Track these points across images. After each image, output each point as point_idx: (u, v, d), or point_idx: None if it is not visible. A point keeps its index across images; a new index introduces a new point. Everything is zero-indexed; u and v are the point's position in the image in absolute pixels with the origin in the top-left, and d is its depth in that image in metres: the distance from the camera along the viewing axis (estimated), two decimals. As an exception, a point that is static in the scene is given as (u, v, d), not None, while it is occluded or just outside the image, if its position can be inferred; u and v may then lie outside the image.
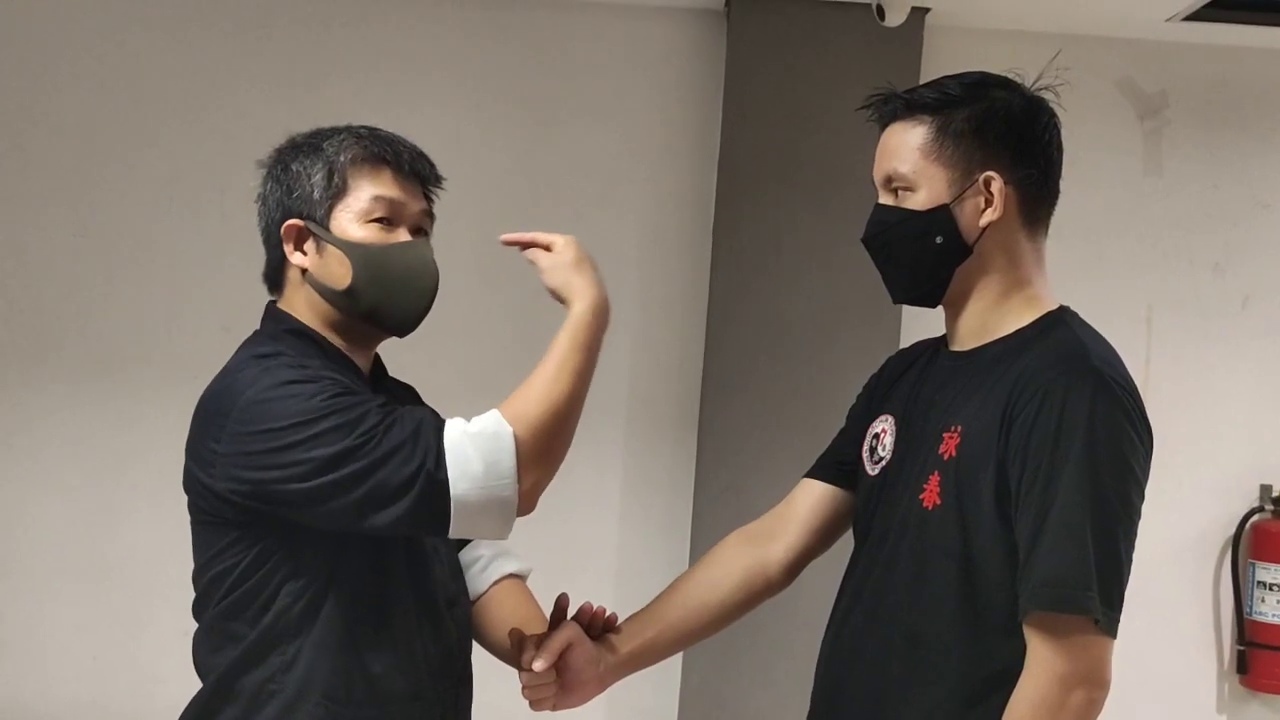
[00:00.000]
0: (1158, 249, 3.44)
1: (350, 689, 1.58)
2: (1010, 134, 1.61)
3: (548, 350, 1.60)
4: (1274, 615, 3.30)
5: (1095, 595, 1.45)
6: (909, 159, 1.62)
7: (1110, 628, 1.48)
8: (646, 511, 3.40)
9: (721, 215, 3.30)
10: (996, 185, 1.59)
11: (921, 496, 1.59)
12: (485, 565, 1.85)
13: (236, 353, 1.67)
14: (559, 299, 1.67)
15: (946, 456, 1.57)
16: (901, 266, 1.66)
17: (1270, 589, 3.31)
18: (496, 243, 3.54)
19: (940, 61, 3.26)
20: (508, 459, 1.50)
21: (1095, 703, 1.49)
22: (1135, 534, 1.52)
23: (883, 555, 1.64)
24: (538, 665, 1.67)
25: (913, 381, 1.72)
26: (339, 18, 3.34)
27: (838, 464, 1.82)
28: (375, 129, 1.71)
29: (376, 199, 1.65)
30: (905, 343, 3.26)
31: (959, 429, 1.57)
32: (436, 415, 1.54)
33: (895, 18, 3.17)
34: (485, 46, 3.37)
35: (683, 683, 3.26)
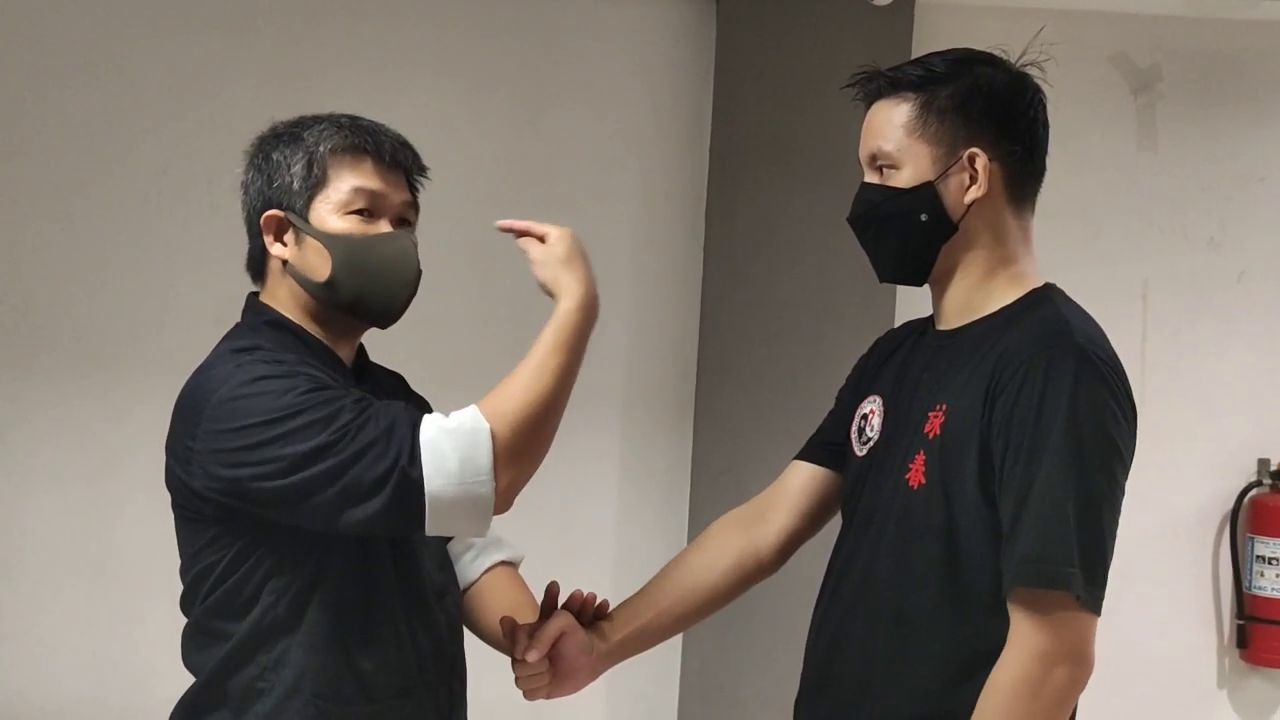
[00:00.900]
0: (1153, 225, 3.43)
1: (339, 686, 1.57)
2: (994, 110, 1.60)
3: (531, 347, 1.58)
4: (1273, 589, 3.30)
5: (1078, 572, 1.45)
6: (893, 137, 1.62)
7: (1093, 604, 1.48)
8: (644, 498, 3.39)
9: (714, 200, 3.29)
10: (981, 162, 1.59)
11: (907, 476, 1.59)
12: (477, 554, 1.85)
13: (216, 347, 1.66)
14: (547, 293, 1.65)
15: (931, 435, 1.57)
16: (887, 245, 1.66)
17: (1269, 563, 3.31)
18: (486, 232, 3.52)
19: (932, 41, 3.25)
20: (484, 455, 1.49)
21: (1077, 680, 1.48)
22: (1119, 510, 1.52)
23: (869, 535, 1.64)
24: (530, 656, 1.67)
25: (901, 362, 1.72)
26: (327, 8, 3.32)
27: (827, 445, 1.82)
28: (357, 118, 1.69)
29: (357, 190, 1.63)
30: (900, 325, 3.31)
31: (944, 408, 1.57)
32: (414, 410, 1.52)
33: (886, -3, 3.16)
34: (474, 34, 3.35)
35: (683, 669, 3.26)
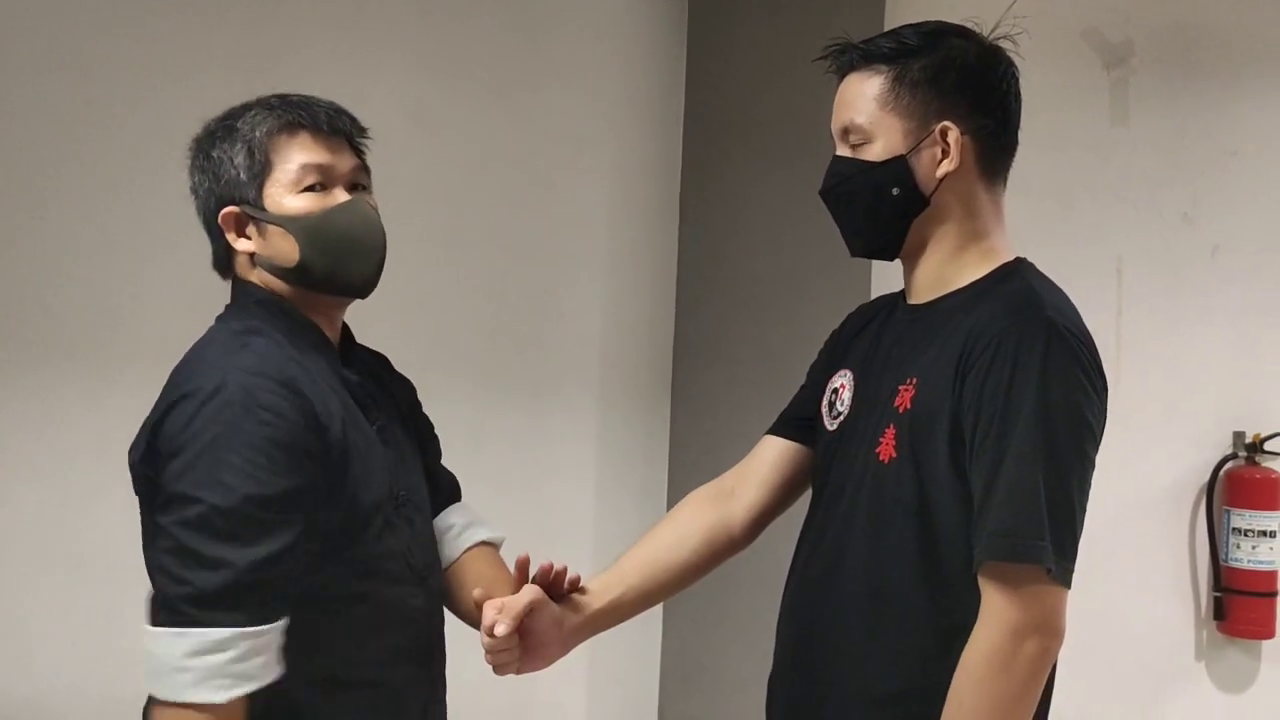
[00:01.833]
0: (1126, 201, 3.44)
1: (315, 675, 1.56)
2: (966, 83, 1.60)
3: None
4: (1250, 561, 3.32)
5: (1048, 545, 1.46)
6: (865, 110, 1.62)
7: (1063, 577, 1.48)
8: (622, 478, 3.39)
9: (689, 177, 3.28)
10: (953, 135, 1.59)
11: (877, 450, 1.59)
12: (458, 533, 1.85)
13: (212, 326, 1.65)
14: None
15: (902, 409, 1.58)
16: (858, 219, 1.66)
17: (1245, 535, 3.33)
18: (461, 212, 3.52)
19: (904, 16, 3.23)
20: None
21: (1049, 651, 1.49)
22: (1089, 484, 1.53)
23: (840, 509, 1.64)
24: (499, 630, 1.65)
25: (872, 336, 1.73)
26: (296, -11, 3.30)
27: (798, 420, 1.83)
28: (286, 96, 1.68)
29: (304, 166, 1.62)
30: (876, 302, 3.31)
31: (914, 381, 1.58)
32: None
33: (858, -28, 3.15)
34: (446, 14, 3.33)
35: (663, 648, 3.26)
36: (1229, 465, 3.39)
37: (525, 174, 3.33)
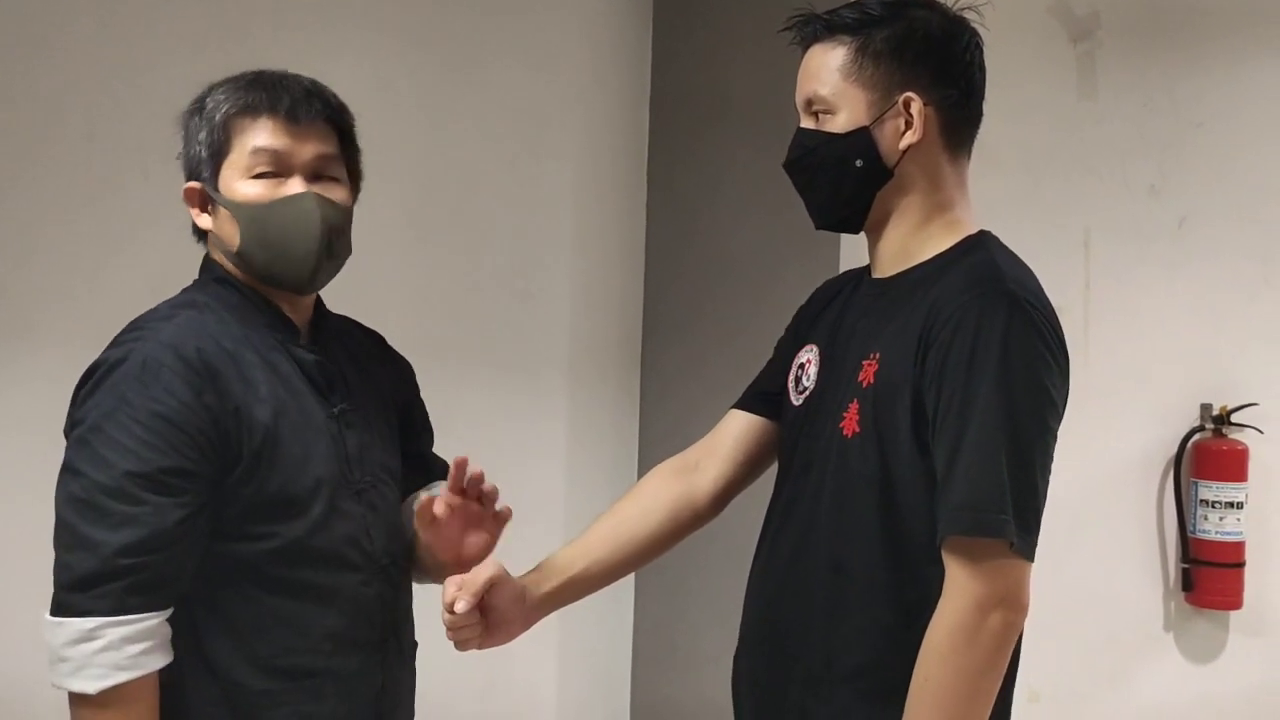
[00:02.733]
0: (1093, 174, 3.44)
1: (254, 661, 1.55)
2: (930, 54, 1.59)
3: None
4: (1217, 533, 3.34)
5: (1010, 519, 1.46)
6: (828, 81, 1.61)
7: (1026, 551, 1.48)
8: (592, 456, 3.38)
9: (656, 153, 3.27)
10: (916, 106, 1.58)
11: (841, 425, 1.59)
12: (414, 498, 1.82)
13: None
14: None
15: (865, 384, 1.57)
16: (822, 191, 1.65)
17: (1213, 507, 3.35)
18: (426, 192, 3.49)
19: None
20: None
21: (1013, 625, 1.49)
22: (1051, 457, 1.53)
23: (807, 485, 1.64)
24: (459, 606, 1.64)
25: (838, 310, 1.72)
26: (257, -34, 3.25)
27: (763, 395, 1.83)
28: (261, 73, 1.64)
29: (256, 151, 1.58)
30: (844, 279, 3.30)
31: (877, 356, 1.57)
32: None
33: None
34: (408, -9, 3.30)
35: (635, 625, 3.26)
36: (1196, 437, 3.41)
37: (490, 152, 3.30)
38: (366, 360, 1.78)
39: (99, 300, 3.20)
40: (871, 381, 1.57)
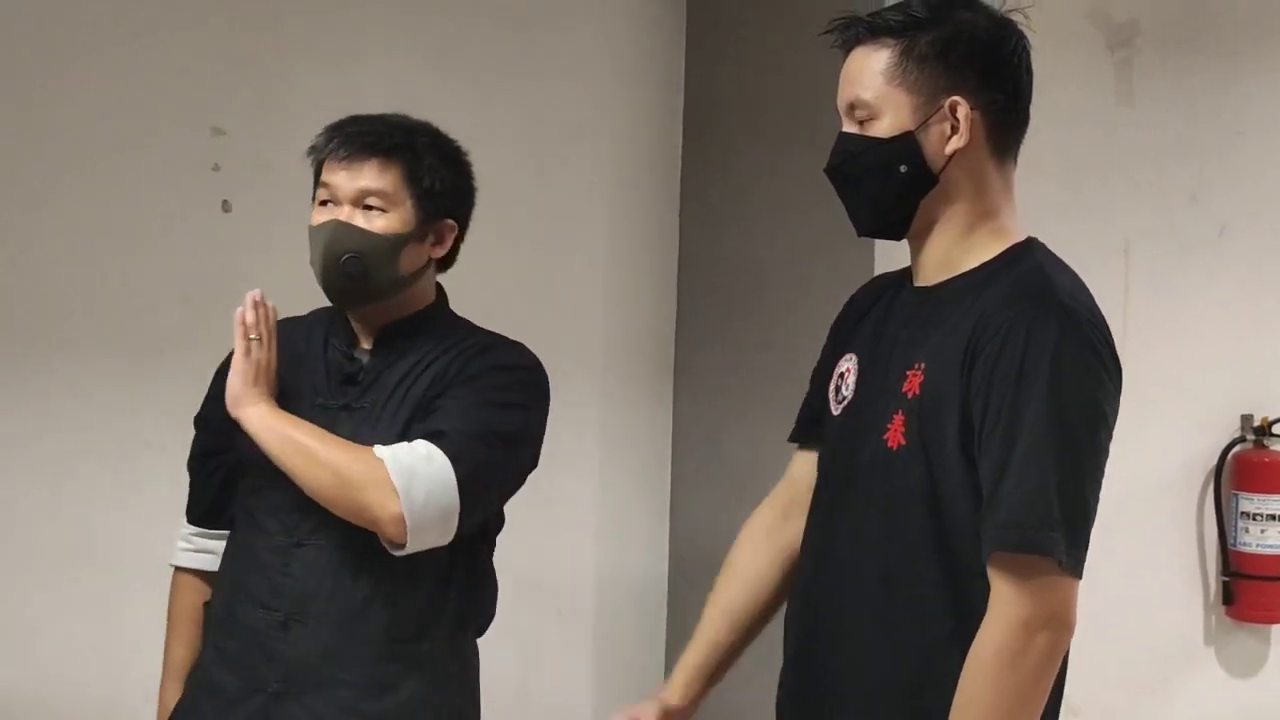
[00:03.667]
0: (1133, 182, 3.40)
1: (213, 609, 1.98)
2: (977, 57, 1.56)
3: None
4: (1258, 545, 3.30)
5: (1059, 536, 1.43)
6: (872, 85, 1.58)
7: (1075, 569, 1.45)
8: (624, 464, 3.37)
9: (689, 161, 3.25)
10: (963, 111, 1.55)
11: (885, 437, 1.56)
12: None
13: None
14: None
15: (910, 395, 1.54)
16: (865, 197, 1.62)
17: (1254, 519, 3.30)
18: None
19: (906, -3, 3.22)
20: None
21: (1060, 644, 1.46)
22: (1102, 473, 1.49)
23: (851, 498, 1.61)
24: None
25: (877, 318, 1.69)
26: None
27: (816, 424, 1.78)
28: (351, 118, 1.94)
29: (321, 185, 1.90)
30: (882, 286, 3.27)
31: (922, 366, 1.54)
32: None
33: (861, -49, 3.12)
34: (438, 2, 3.30)
35: (668, 638, 3.25)
36: (1237, 449, 3.36)
37: (523, 162, 3.30)
38: (426, 365, 1.92)
39: (133, 311, 3.21)
40: (917, 393, 1.54)
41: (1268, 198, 3.42)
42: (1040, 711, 1.49)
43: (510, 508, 3.37)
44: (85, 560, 3.21)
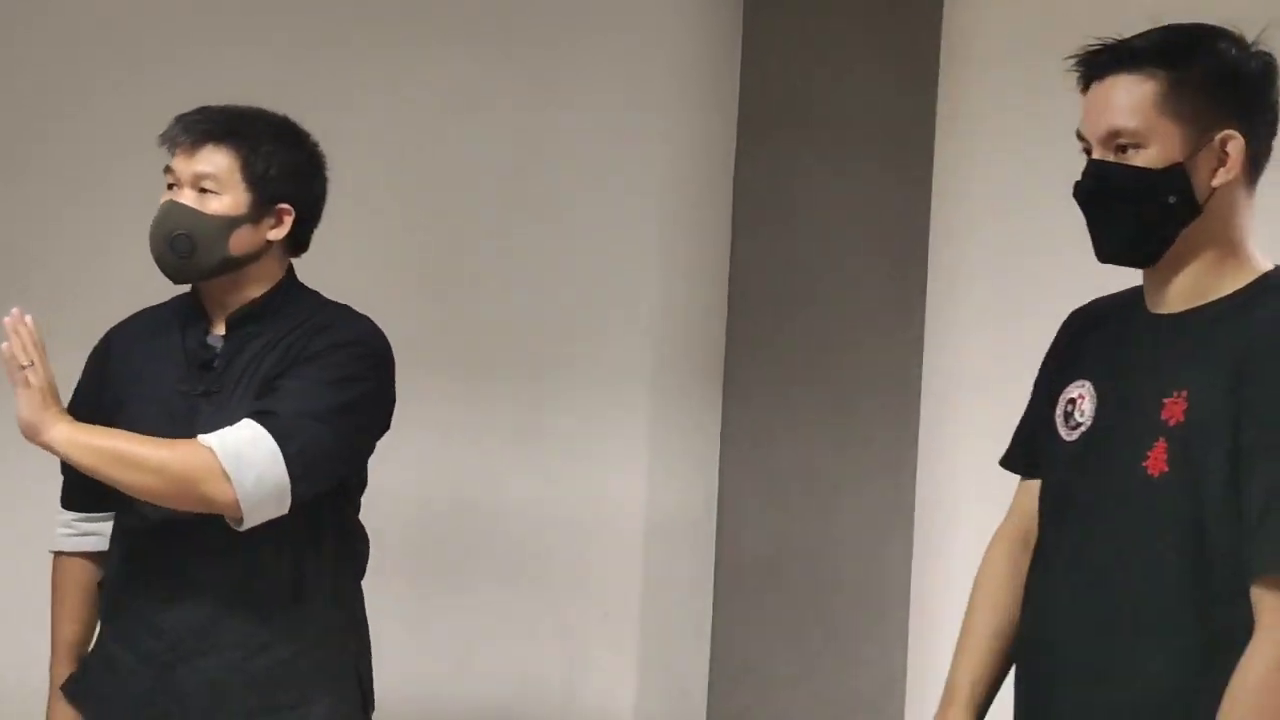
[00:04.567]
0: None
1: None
2: (1246, 90, 1.57)
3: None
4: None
5: None
6: (1139, 114, 1.57)
7: None
8: (673, 471, 3.36)
9: (741, 169, 3.25)
10: (1235, 144, 1.56)
11: (1145, 464, 1.55)
12: None
13: None
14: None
15: (1173, 422, 1.54)
16: (1124, 225, 1.60)
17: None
18: (510, 202, 3.50)
19: (964, 5, 3.21)
20: None
21: None
22: None
23: (1100, 526, 1.60)
24: None
25: (1109, 344, 1.68)
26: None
27: (1040, 453, 1.77)
28: (200, 109, 2.03)
29: (165, 170, 2.00)
30: (931, 296, 3.25)
31: (1184, 394, 1.54)
32: None
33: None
34: (493, 2, 3.32)
35: (712, 645, 3.24)
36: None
37: (575, 166, 3.30)
38: (273, 346, 2.01)
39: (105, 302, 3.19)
40: (1181, 420, 1.54)
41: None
42: None
43: (560, 508, 3.39)
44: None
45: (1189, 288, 1.60)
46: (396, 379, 2.07)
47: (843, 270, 3.21)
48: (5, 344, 1.84)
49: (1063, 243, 3.48)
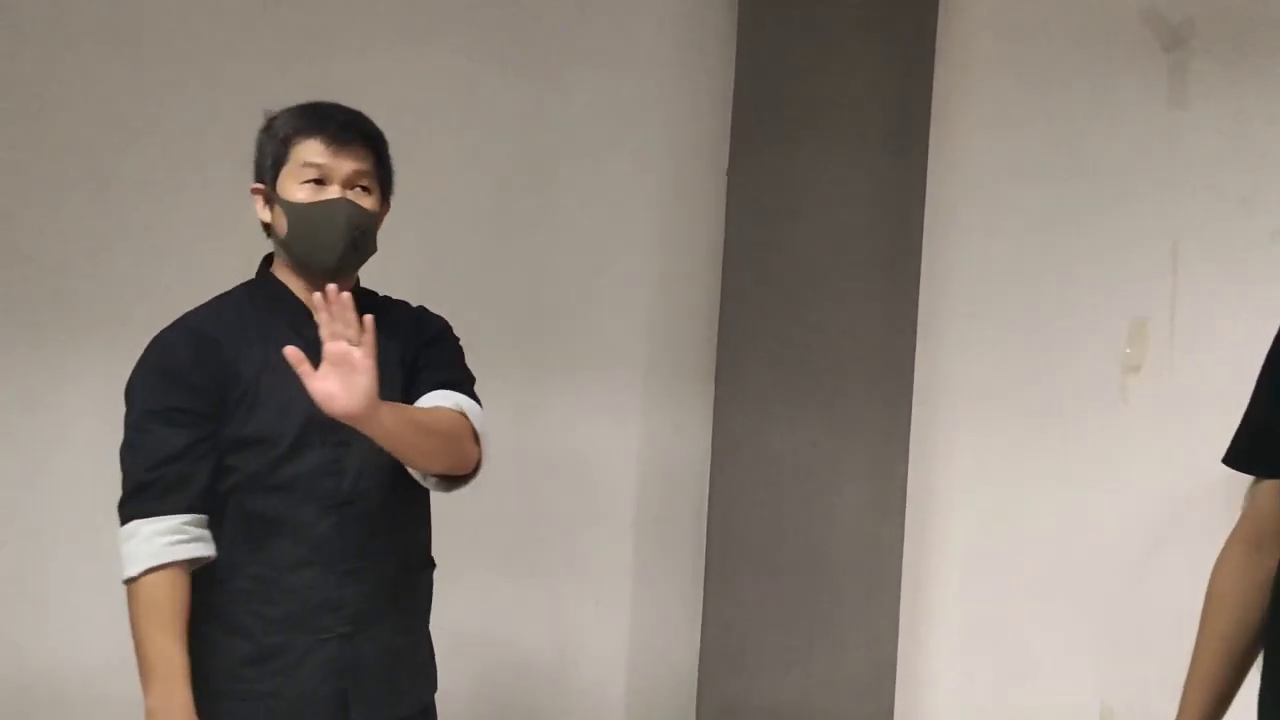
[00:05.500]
0: (1184, 183, 3.38)
1: (242, 580, 2.05)
2: None
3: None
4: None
5: None
6: None
7: None
8: (665, 460, 3.38)
9: (736, 157, 3.26)
10: None
11: None
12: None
13: None
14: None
15: None
16: None
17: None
18: (512, 190, 3.52)
19: (959, -4, 3.23)
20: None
21: None
22: None
23: None
24: None
25: None
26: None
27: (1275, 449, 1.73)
28: (317, 104, 2.06)
29: (306, 165, 2.01)
30: (925, 291, 3.27)
31: None
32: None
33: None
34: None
35: (703, 627, 3.26)
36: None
37: (571, 153, 3.32)
38: (386, 333, 2.02)
39: (194, 292, 3.25)
40: None
41: (1322, 202, 3.38)
42: None
43: (551, 501, 3.41)
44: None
45: None
46: None
47: (837, 261, 3.23)
48: (333, 323, 1.82)
49: (1056, 235, 3.52)
